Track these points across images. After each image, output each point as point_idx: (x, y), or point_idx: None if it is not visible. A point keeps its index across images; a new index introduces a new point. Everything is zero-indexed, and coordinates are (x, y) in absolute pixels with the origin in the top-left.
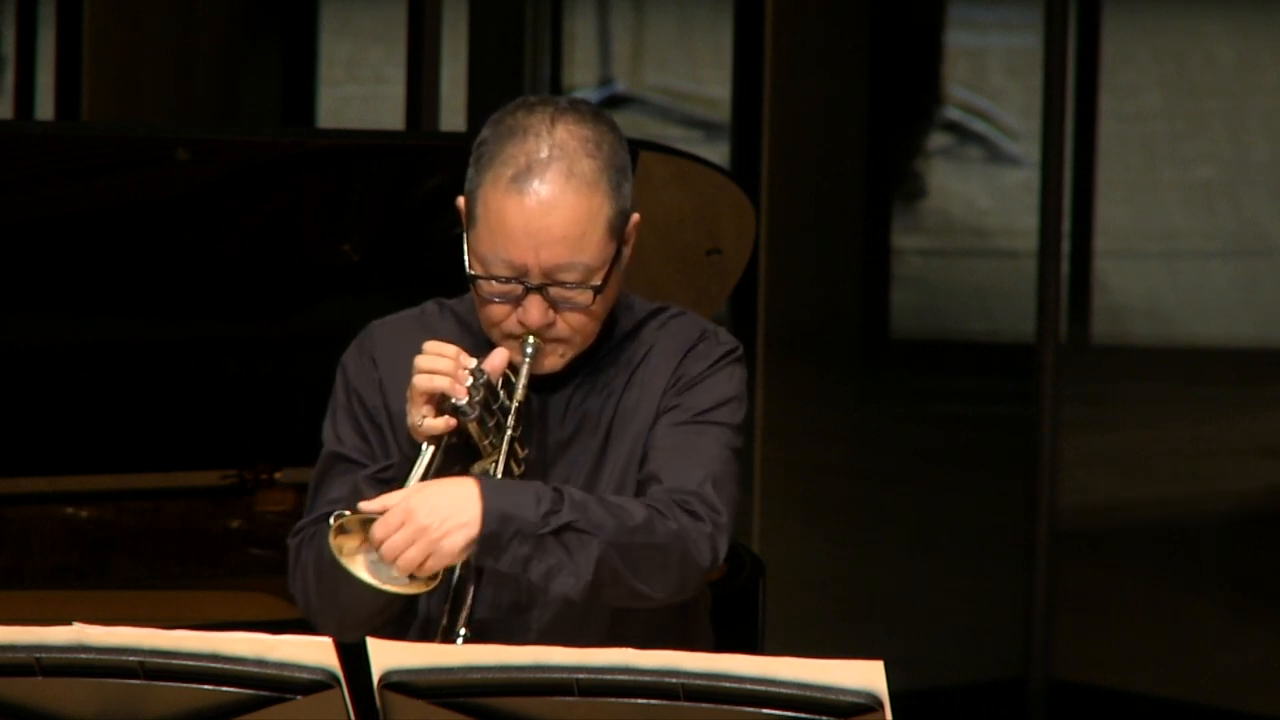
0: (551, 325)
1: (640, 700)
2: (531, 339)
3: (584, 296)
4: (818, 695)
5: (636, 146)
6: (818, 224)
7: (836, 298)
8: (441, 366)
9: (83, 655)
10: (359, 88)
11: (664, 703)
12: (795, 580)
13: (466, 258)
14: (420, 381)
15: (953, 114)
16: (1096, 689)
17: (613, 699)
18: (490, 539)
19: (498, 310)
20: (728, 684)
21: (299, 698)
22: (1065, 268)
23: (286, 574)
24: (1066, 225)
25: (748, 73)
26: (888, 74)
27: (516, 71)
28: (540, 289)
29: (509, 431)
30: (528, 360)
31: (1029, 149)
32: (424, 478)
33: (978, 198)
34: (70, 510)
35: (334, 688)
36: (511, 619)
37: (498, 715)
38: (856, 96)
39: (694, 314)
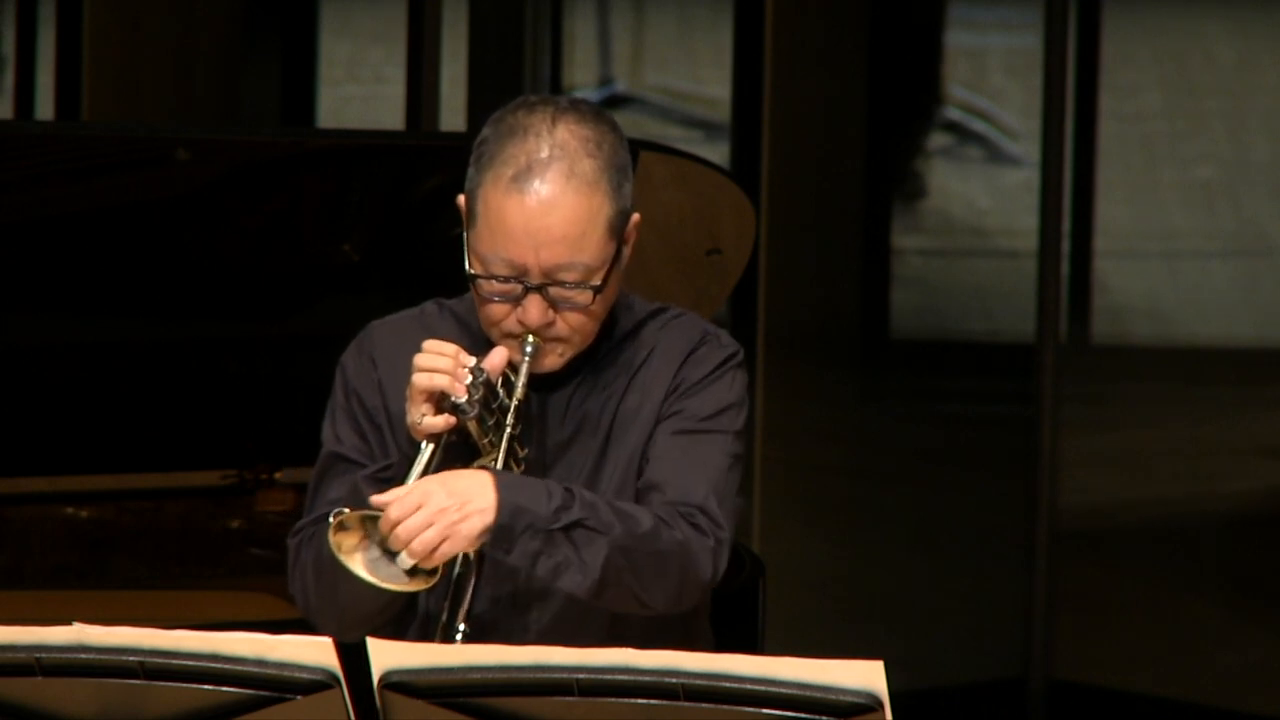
0: (551, 325)
1: (640, 700)
2: (531, 338)
3: (584, 296)
4: (818, 695)
5: (636, 146)
6: (818, 224)
7: (836, 298)
8: (441, 365)
9: (83, 655)
10: (359, 88)
11: (664, 703)
12: (795, 580)
13: (466, 257)
14: (420, 380)
15: (953, 114)
16: (1096, 689)
17: (613, 699)
18: (503, 530)
19: (497, 309)
20: (728, 684)
21: (299, 698)
22: (1065, 268)
23: (286, 574)
24: (1066, 225)
25: (748, 73)
26: (888, 74)
27: (516, 71)
28: (540, 288)
29: (508, 430)
30: (527, 359)
31: (1029, 149)
32: (423, 476)
33: (978, 198)
34: (70, 510)
35: (334, 688)
36: (511, 619)
37: (498, 715)
38: (856, 96)
39: (695, 315)
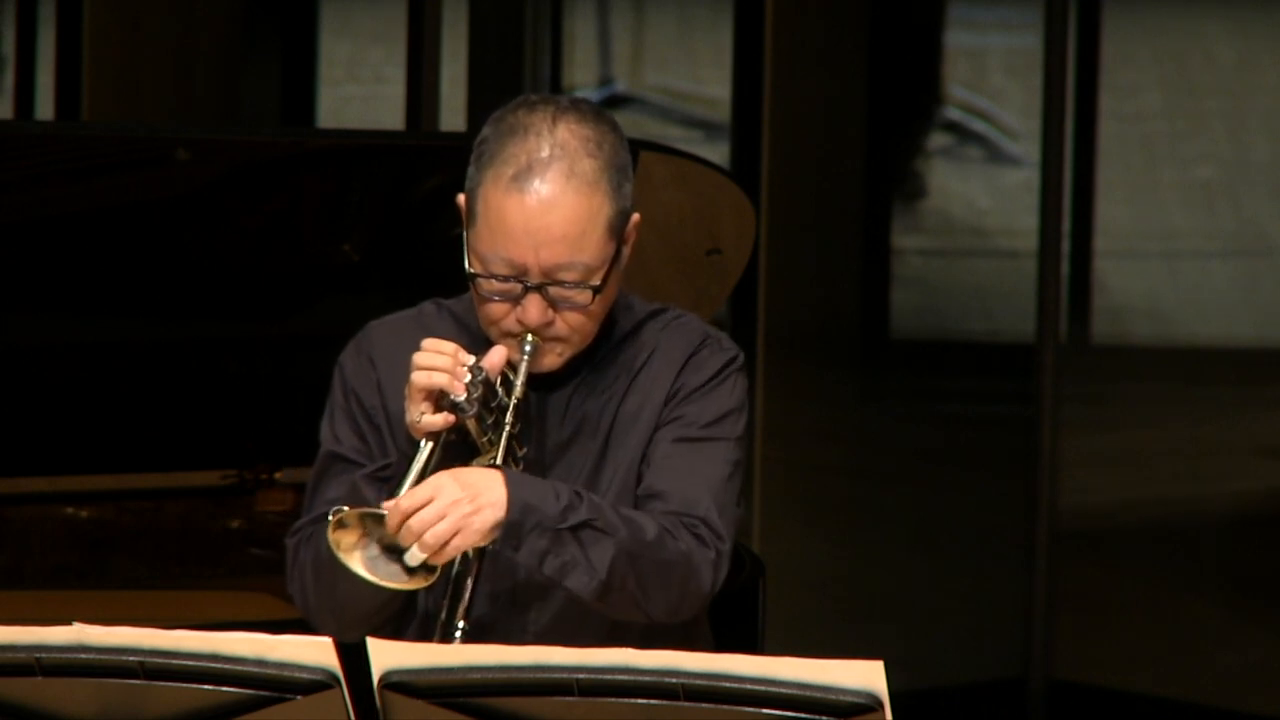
0: (550, 324)
1: (640, 700)
2: (530, 337)
3: (583, 296)
4: (818, 695)
5: (636, 146)
6: (818, 224)
7: (836, 298)
8: (440, 363)
9: (83, 655)
10: (359, 88)
11: (664, 703)
12: (795, 580)
13: (466, 256)
14: (419, 378)
15: (953, 114)
16: (1096, 689)
17: (613, 699)
18: (512, 527)
19: (497, 309)
20: (728, 684)
21: (299, 698)
22: (1065, 268)
23: (286, 574)
24: (1066, 225)
25: (748, 73)
26: (888, 74)
27: (516, 71)
28: (539, 288)
29: (507, 428)
30: (526, 358)
31: (1029, 149)
32: (422, 475)
33: (978, 198)
34: (70, 510)
35: (334, 688)
36: (509, 619)
37: (498, 715)
38: (856, 96)
39: (695, 316)
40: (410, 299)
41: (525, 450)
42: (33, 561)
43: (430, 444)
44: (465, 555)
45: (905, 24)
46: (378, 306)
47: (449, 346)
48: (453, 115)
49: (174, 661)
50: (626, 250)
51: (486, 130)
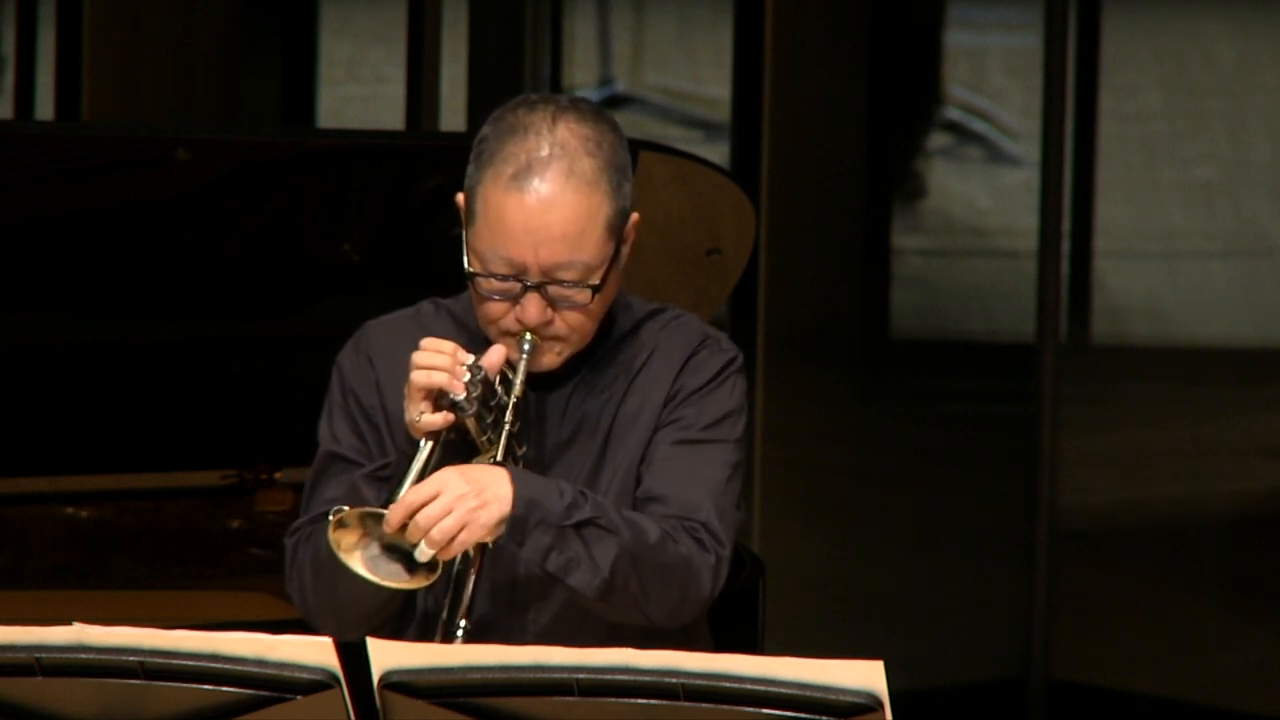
0: (549, 323)
1: (640, 700)
2: (529, 336)
3: (582, 295)
4: (818, 695)
5: (636, 146)
6: (818, 224)
7: (836, 298)
8: (439, 362)
9: (83, 655)
10: (359, 88)
11: (664, 703)
12: (795, 580)
13: (465, 255)
14: (418, 377)
15: (953, 114)
16: (1096, 689)
17: (613, 699)
18: (517, 522)
19: (496, 308)
20: (728, 684)
21: (299, 698)
22: (1065, 268)
23: (285, 574)
24: (1066, 225)
25: (748, 73)
26: (888, 74)
27: (516, 71)
28: (539, 287)
29: (506, 427)
30: (525, 357)
31: (1029, 149)
32: (422, 474)
33: (978, 198)
34: (70, 510)
35: (334, 688)
36: (509, 619)
37: (498, 715)
38: (856, 96)
39: (694, 316)
40: (410, 299)
41: (525, 449)
42: (33, 561)
43: (430, 443)
44: (466, 554)
45: (905, 24)
46: (378, 306)
47: (448, 345)
48: (453, 115)
49: (174, 661)
50: (626, 250)
51: (486, 129)
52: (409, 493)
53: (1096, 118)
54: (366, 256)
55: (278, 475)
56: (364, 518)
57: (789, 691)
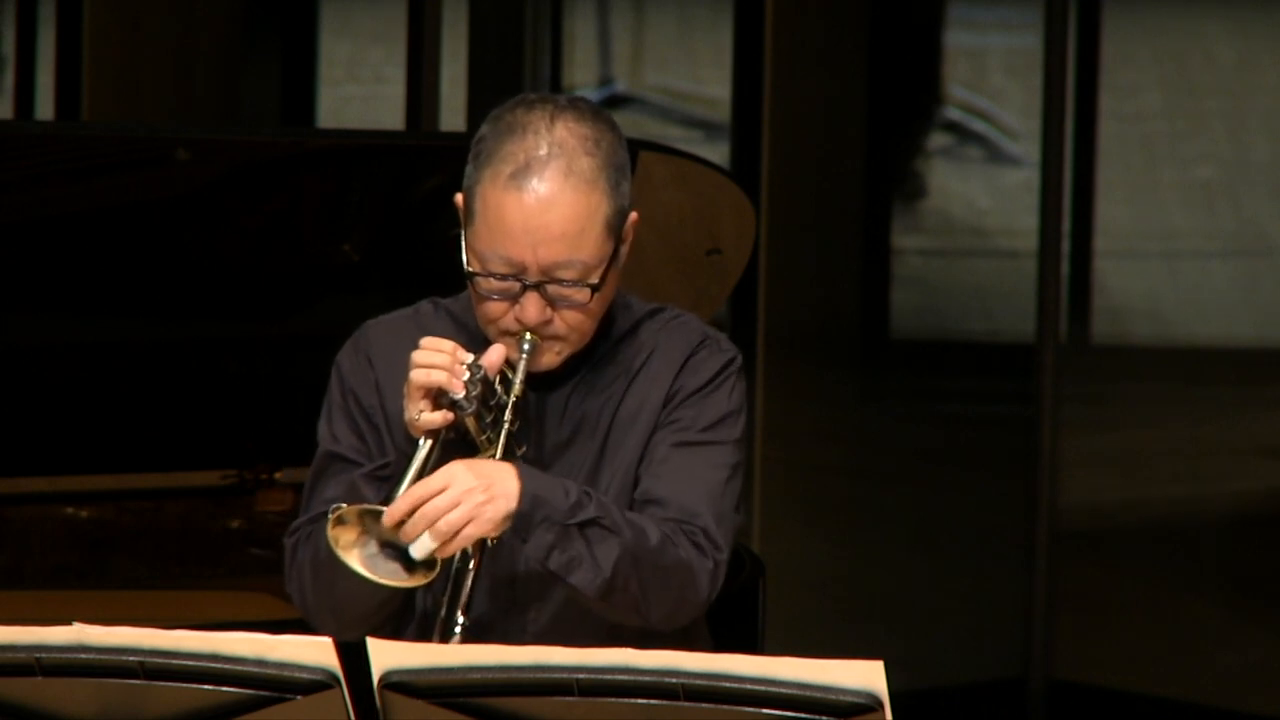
0: (549, 323)
1: (640, 700)
2: (528, 336)
3: (581, 294)
4: (818, 695)
5: (636, 146)
6: (818, 224)
7: (836, 298)
8: (439, 361)
9: (83, 655)
10: (359, 88)
11: (664, 703)
12: (795, 580)
13: (464, 254)
14: (417, 376)
15: (953, 114)
16: (1096, 689)
17: (613, 699)
18: (522, 518)
19: (495, 307)
20: (728, 684)
21: (299, 698)
22: (1065, 268)
23: (284, 574)
24: (1066, 225)
25: (748, 73)
26: (888, 74)
27: (516, 71)
28: (538, 286)
29: (506, 425)
30: (524, 357)
31: (1029, 149)
32: (420, 472)
33: (978, 198)
34: (70, 510)
35: (334, 688)
36: (508, 619)
37: (498, 715)
38: (856, 96)
39: (694, 316)
40: (410, 299)
41: (524, 449)
42: (33, 561)
43: (429, 442)
44: (465, 551)
45: (905, 24)
46: (378, 306)
47: (447, 345)
48: (453, 115)
49: (174, 661)
50: (625, 249)
51: (484, 129)
52: (417, 485)
53: (1096, 118)
54: (366, 256)
55: (278, 475)
56: (363, 515)
57: (789, 691)
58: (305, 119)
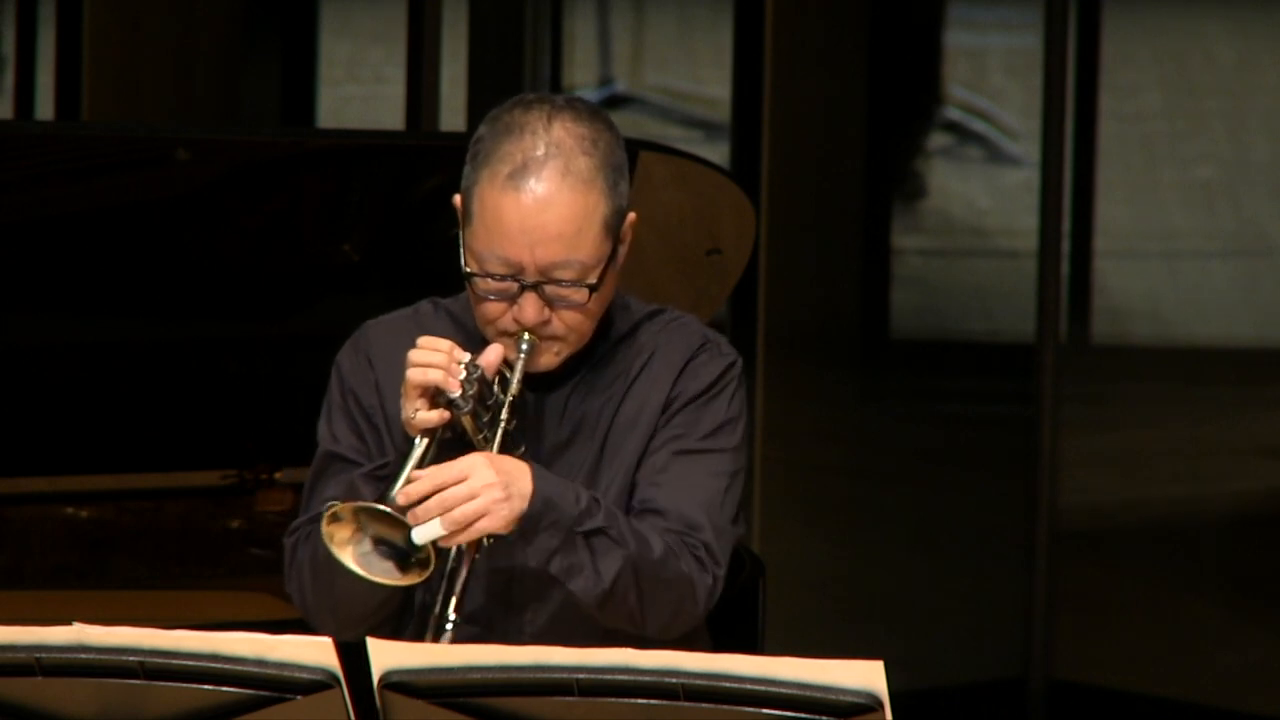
0: (547, 323)
1: (640, 700)
2: (527, 335)
3: (580, 294)
4: (818, 695)
5: (636, 146)
6: (818, 224)
7: (836, 298)
8: (435, 360)
9: (83, 655)
10: (359, 88)
11: (664, 703)
12: (795, 580)
13: (462, 255)
14: (414, 375)
15: (953, 114)
16: (1096, 689)
17: (613, 699)
18: (530, 520)
19: (493, 308)
20: (728, 684)
21: (299, 698)
22: (1065, 268)
23: (284, 573)
24: (1066, 225)
25: (748, 73)
26: (888, 74)
27: (516, 71)
28: (536, 286)
29: (502, 425)
30: (522, 356)
31: (1029, 149)
32: (416, 472)
33: (978, 198)
34: (70, 510)
35: (334, 688)
36: (506, 620)
37: (498, 715)
38: (856, 96)
39: (693, 318)
40: (410, 299)
41: (522, 449)
42: (33, 561)
43: (425, 440)
44: (459, 547)
45: (905, 24)
46: (378, 306)
47: (444, 344)
48: (453, 115)
49: (174, 661)
50: (623, 249)
51: (482, 129)
52: (437, 470)
53: (1096, 118)
54: (366, 256)
55: (278, 475)
56: (357, 512)
57: (789, 691)
58: (305, 119)
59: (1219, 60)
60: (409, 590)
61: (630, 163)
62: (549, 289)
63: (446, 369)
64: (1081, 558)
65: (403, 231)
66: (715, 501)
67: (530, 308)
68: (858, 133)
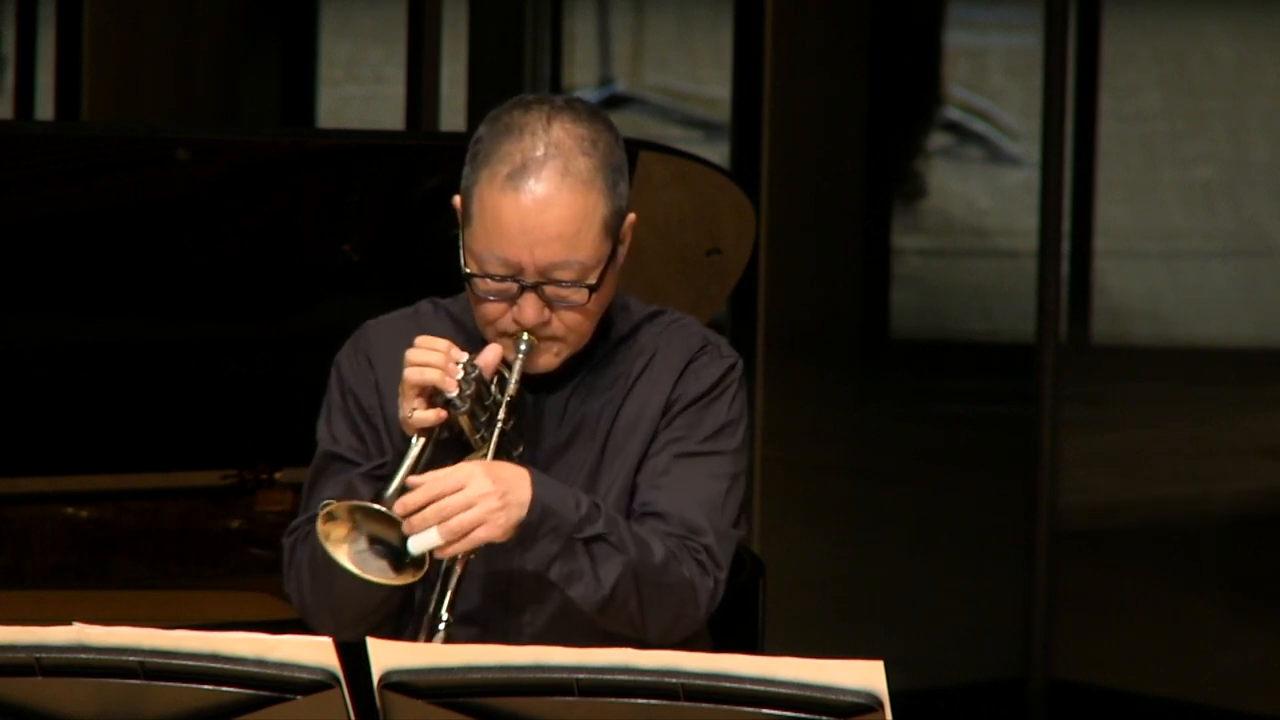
0: (547, 324)
1: (640, 700)
2: (526, 336)
3: (579, 295)
4: (818, 695)
5: (636, 146)
6: (818, 224)
7: (836, 298)
8: (432, 360)
9: (83, 655)
10: (359, 88)
11: (664, 703)
12: (795, 580)
13: (462, 255)
14: (411, 374)
15: (953, 114)
16: (1096, 689)
17: (613, 699)
18: (529, 527)
19: (493, 308)
20: (728, 684)
21: (299, 698)
22: (1065, 268)
23: (283, 573)
24: (1066, 225)
25: (748, 73)
26: (888, 74)
27: (516, 71)
28: (535, 287)
29: (500, 425)
30: (521, 356)
31: (1029, 149)
32: (413, 471)
33: (978, 198)
34: (70, 510)
35: (334, 688)
36: (505, 620)
37: (498, 715)
38: (856, 96)
39: (694, 319)
40: (410, 299)
41: (521, 450)
42: (33, 561)
43: (422, 440)
44: None
45: (905, 24)
46: (378, 306)
47: (441, 343)
48: (453, 115)
49: (174, 661)
50: (623, 250)
51: (482, 130)
52: (434, 480)
53: (1096, 118)
54: (366, 256)
55: (278, 475)
56: (353, 511)
57: (789, 691)
58: (305, 119)
59: (1219, 60)
60: (408, 590)
61: (630, 163)
62: (548, 289)
63: (444, 368)
64: (1081, 558)
65: (403, 231)
66: (716, 504)
67: (530, 308)
68: (858, 133)
